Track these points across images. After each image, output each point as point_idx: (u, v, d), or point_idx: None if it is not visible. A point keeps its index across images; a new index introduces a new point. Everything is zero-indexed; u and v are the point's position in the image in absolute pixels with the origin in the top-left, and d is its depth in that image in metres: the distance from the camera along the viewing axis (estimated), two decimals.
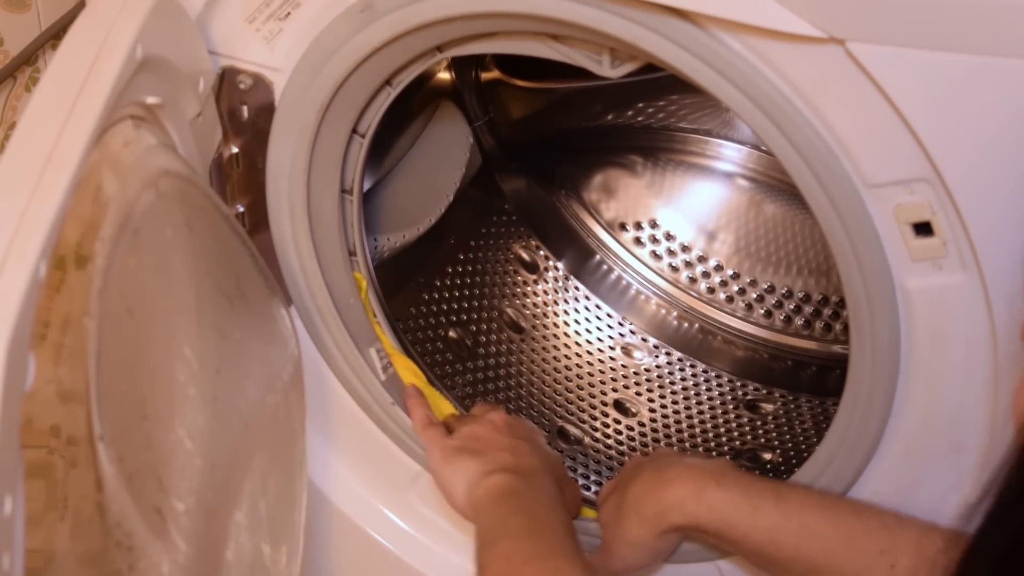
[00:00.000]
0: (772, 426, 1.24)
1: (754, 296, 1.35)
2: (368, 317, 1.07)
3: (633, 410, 1.29)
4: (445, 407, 1.10)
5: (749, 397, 1.30)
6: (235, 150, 0.96)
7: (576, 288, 1.39)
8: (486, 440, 0.98)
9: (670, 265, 1.38)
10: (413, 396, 1.07)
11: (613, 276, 1.40)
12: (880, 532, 0.80)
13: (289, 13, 0.88)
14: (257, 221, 0.98)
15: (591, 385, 1.32)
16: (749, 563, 0.95)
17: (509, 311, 1.36)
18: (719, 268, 1.36)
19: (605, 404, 1.30)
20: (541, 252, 1.40)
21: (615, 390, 1.32)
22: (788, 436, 1.22)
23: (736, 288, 1.35)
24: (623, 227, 1.40)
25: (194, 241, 0.84)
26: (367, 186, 1.20)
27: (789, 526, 0.83)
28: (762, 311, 1.34)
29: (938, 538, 0.76)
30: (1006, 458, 0.54)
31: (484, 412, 1.04)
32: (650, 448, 1.24)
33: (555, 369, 1.33)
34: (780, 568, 0.86)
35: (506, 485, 0.90)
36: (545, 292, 1.39)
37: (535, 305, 1.38)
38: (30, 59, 1.20)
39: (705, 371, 1.34)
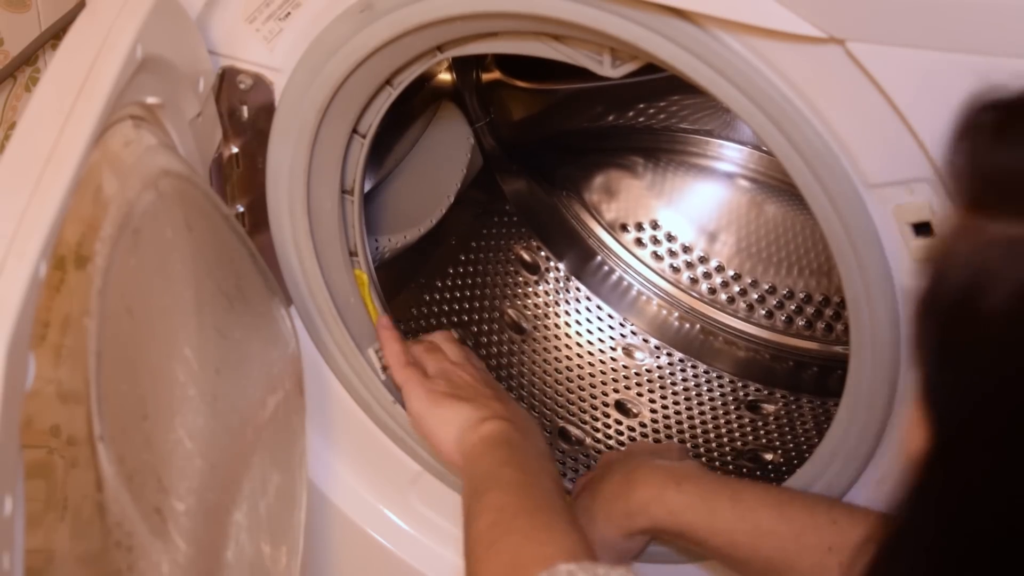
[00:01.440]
0: (773, 426, 1.24)
1: (755, 297, 1.34)
2: (368, 310, 1.06)
3: (634, 411, 1.29)
4: None
5: (750, 398, 1.30)
6: (235, 150, 0.96)
7: (577, 289, 1.39)
8: (471, 387, 0.97)
9: (671, 266, 1.38)
10: (387, 328, 1.04)
11: (614, 277, 1.40)
12: (828, 528, 0.81)
13: (289, 13, 0.88)
14: (257, 221, 0.98)
15: (592, 386, 1.32)
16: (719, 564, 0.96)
17: (510, 312, 1.36)
18: (720, 269, 1.36)
19: (606, 405, 1.30)
20: (542, 253, 1.40)
21: (616, 391, 1.32)
22: (789, 436, 1.22)
23: (737, 289, 1.35)
24: (624, 228, 1.40)
25: (194, 241, 0.84)
26: (368, 187, 1.20)
27: (744, 526, 0.84)
28: (763, 312, 1.34)
29: None
30: (892, 505, 0.52)
31: (444, 354, 1.02)
32: None
33: (556, 370, 1.33)
34: (741, 567, 0.87)
35: (502, 433, 0.89)
36: (546, 293, 1.39)
37: (536, 306, 1.38)
38: (30, 59, 1.20)
39: (706, 372, 1.34)
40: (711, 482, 0.89)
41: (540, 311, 1.38)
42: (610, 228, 1.40)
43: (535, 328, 1.36)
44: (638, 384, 1.33)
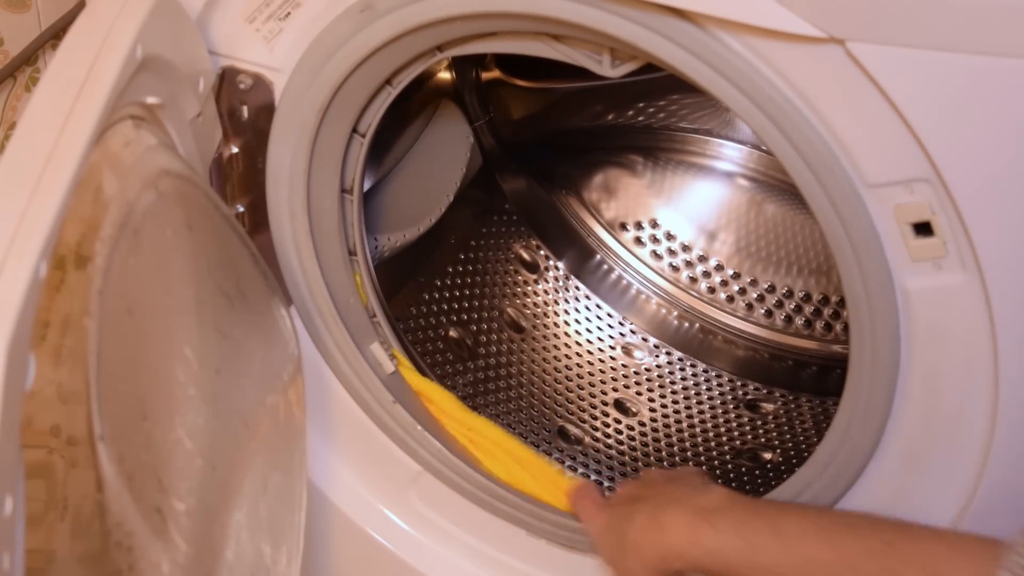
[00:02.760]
0: (772, 426, 1.24)
1: (754, 296, 1.35)
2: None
3: (633, 410, 1.29)
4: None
5: (749, 397, 1.30)
6: (235, 150, 0.96)
7: (576, 288, 1.39)
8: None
9: (670, 265, 1.38)
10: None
11: (614, 276, 1.40)
12: (883, 552, 0.77)
13: (289, 13, 0.88)
14: (257, 221, 0.98)
15: (591, 385, 1.32)
16: None
17: (509, 311, 1.36)
18: (719, 268, 1.36)
19: (605, 404, 1.30)
20: (541, 252, 1.40)
21: (615, 390, 1.32)
22: (788, 436, 1.22)
23: (736, 288, 1.36)
24: (623, 227, 1.40)
25: (194, 241, 0.84)
26: (367, 186, 1.20)
27: (791, 560, 0.80)
28: (762, 311, 1.34)
29: (946, 551, 0.73)
30: None
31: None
32: (650, 448, 1.24)
33: (555, 369, 1.33)
34: None
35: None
36: (545, 292, 1.39)
37: (535, 305, 1.38)
38: (30, 59, 1.20)
39: (705, 371, 1.34)
40: (745, 512, 0.84)
41: (539, 310, 1.38)
42: (609, 227, 1.40)
43: (534, 327, 1.36)
44: (637, 383, 1.33)
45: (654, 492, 0.92)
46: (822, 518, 0.82)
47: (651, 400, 1.30)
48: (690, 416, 1.28)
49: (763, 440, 1.23)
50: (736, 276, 1.35)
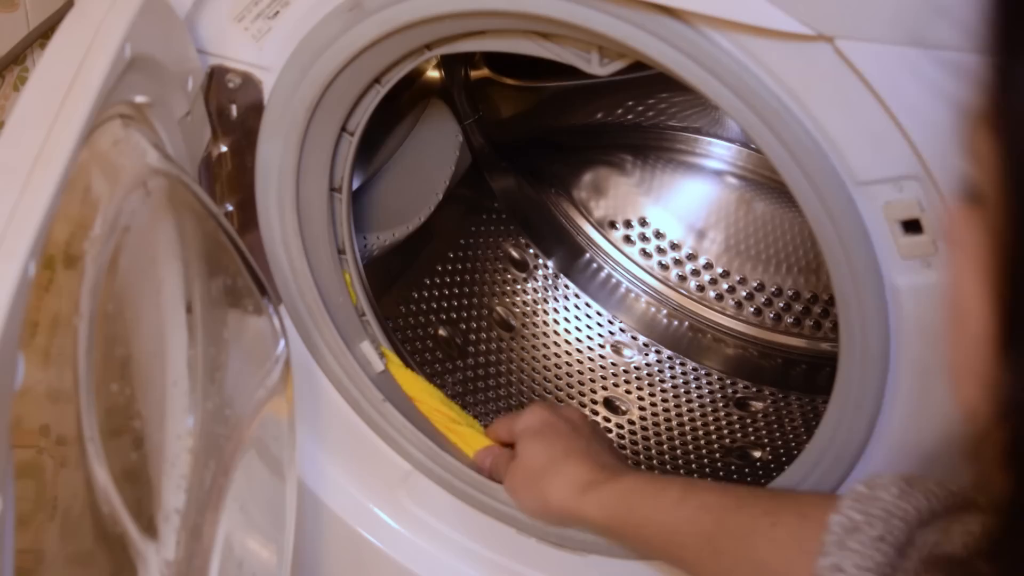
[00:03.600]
0: (762, 424, 1.25)
1: (744, 294, 1.35)
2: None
3: (623, 408, 1.29)
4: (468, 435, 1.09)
5: (739, 395, 1.30)
6: (224, 149, 0.95)
7: (566, 286, 1.39)
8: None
9: (660, 263, 1.38)
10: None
11: (603, 274, 1.40)
12: (765, 497, 0.82)
13: (278, 12, 0.88)
14: (246, 220, 0.98)
15: (581, 383, 1.32)
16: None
17: (499, 309, 1.36)
18: (709, 266, 1.36)
19: (595, 402, 1.30)
20: (531, 250, 1.40)
21: (605, 388, 1.32)
22: (778, 434, 1.22)
23: (726, 286, 1.36)
24: (613, 225, 1.40)
25: (183, 240, 0.84)
26: (356, 184, 1.20)
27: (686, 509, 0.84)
28: (752, 309, 1.34)
29: (819, 501, 0.77)
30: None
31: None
32: (640, 447, 1.24)
33: (545, 367, 1.33)
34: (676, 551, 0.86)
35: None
36: (535, 290, 1.39)
37: (525, 303, 1.38)
38: (18, 58, 1.19)
39: (695, 369, 1.34)
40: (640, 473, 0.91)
41: (529, 308, 1.38)
42: (599, 225, 1.41)
43: (524, 325, 1.36)
44: (627, 381, 1.33)
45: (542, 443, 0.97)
46: (725, 495, 0.86)
47: (640, 398, 1.31)
48: (680, 414, 1.28)
49: (753, 438, 1.23)
50: (725, 274, 1.36)
